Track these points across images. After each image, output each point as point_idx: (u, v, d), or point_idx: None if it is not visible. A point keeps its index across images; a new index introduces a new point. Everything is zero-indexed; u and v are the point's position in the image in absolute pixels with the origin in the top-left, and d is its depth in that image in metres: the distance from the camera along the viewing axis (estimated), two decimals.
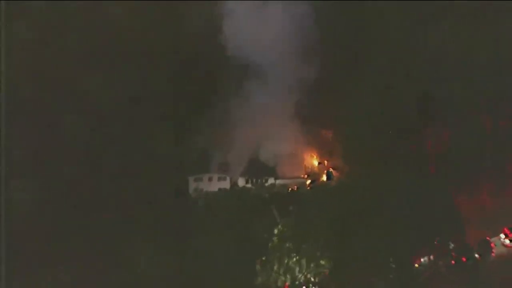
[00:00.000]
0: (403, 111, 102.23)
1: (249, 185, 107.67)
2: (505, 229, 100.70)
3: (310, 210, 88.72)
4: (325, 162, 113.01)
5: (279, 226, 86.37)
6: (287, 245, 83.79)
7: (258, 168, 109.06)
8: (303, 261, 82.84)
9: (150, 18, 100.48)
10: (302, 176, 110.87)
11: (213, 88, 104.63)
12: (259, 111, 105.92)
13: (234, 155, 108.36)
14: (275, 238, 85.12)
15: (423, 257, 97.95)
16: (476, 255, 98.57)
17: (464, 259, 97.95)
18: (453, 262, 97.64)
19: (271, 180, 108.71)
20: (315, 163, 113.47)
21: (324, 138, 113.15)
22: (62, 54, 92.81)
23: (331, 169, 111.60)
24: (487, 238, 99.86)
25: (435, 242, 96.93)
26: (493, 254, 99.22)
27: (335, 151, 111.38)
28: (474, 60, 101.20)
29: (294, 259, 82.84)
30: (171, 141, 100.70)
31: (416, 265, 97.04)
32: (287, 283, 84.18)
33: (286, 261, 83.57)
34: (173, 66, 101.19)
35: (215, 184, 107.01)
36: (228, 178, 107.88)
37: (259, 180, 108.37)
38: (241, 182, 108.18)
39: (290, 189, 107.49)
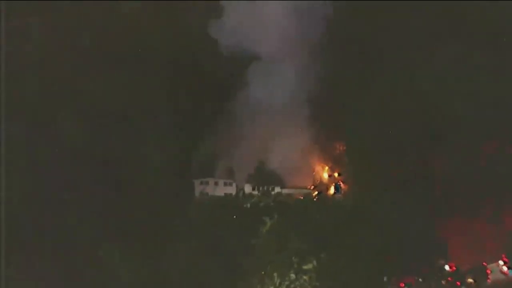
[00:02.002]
0: (410, 132, 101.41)
1: (255, 192, 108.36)
2: (503, 255, 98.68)
3: (291, 221, 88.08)
4: (336, 174, 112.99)
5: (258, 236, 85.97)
6: (263, 256, 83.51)
7: (265, 176, 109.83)
8: (275, 275, 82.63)
9: (151, 19, 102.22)
10: (309, 187, 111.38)
11: (220, 91, 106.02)
12: (268, 117, 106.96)
13: (241, 161, 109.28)
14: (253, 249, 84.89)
15: (414, 278, 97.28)
16: (471, 280, 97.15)
17: (458, 283, 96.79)
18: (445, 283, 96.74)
19: (277, 189, 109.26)
20: (325, 175, 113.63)
21: (336, 150, 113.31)
22: (63, 53, 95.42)
23: (340, 182, 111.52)
24: (484, 263, 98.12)
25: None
26: (488, 281, 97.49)
27: (345, 164, 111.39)
28: (485, 85, 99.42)
29: (264, 272, 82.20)
30: (176, 143, 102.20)
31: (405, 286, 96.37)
32: None
33: (262, 272, 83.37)
34: (178, 68, 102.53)
35: (221, 189, 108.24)
36: (234, 184, 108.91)
37: (265, 188, 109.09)
38: (247, 188, 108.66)
39: (296, 199, 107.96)
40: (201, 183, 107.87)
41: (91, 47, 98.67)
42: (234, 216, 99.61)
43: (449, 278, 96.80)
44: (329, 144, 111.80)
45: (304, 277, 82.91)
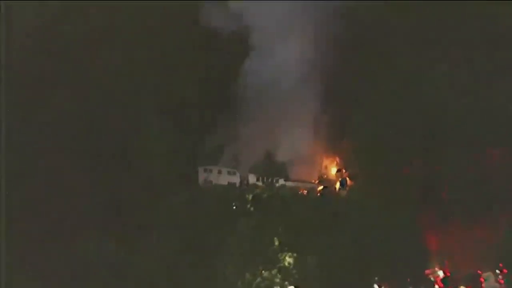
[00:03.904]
0: (414, 134, 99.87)
1: (259, 183, 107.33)
2: (501, 264, 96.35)
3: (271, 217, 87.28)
4: (344, 170, 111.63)
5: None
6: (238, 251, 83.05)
7: (270, 167, 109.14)
8: (247, 275, 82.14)
9: (155, 7, 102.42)
10: (313, 181, 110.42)
11: (226, 78, 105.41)
12: (276, 106, 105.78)
13: (247, 151, 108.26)
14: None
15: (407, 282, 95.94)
16: None
17: None
18: None
19: (281, 181, 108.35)
20: (334, 169, 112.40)
21: (345, 146, 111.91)
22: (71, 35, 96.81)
23: (347, 178, 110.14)
24: (479, 271, 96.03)
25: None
26: None
27: (351, 160, 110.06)
28: (492, 87, 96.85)
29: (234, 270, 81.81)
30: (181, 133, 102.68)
31: None
32: None
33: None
34: (183, 55, 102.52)
35: (225, 177, 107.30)
36: (237, 173, 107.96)
37: (269, 179, 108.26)
38: (251, 178, 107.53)
39: (300, 192, 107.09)
40: (205, 170, 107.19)
41: (95, 36, 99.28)
42: (234, 207, 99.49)
43: (441, 284, 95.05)
44: (336, 138, 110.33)
45: (278, 274, 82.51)
